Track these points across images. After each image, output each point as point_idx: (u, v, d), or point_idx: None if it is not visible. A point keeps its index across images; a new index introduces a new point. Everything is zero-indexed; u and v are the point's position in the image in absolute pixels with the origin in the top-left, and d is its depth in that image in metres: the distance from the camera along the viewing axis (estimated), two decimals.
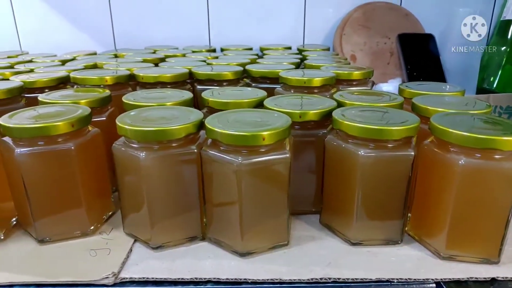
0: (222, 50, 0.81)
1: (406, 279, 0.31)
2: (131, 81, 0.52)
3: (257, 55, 0.71)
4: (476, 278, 0.32)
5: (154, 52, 0.75)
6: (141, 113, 0.36)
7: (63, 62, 0.65)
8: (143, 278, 0.31)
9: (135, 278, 0.31)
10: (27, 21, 0.86)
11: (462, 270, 0.32)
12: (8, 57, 0.72)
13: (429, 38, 0.81)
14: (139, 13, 0.86)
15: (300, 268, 0.33)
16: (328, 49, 0.81)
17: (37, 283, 0.31)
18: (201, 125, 0.35)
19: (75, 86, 0.51)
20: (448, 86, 0.49)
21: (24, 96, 0.47)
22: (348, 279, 0.31)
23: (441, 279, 0.31)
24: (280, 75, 0.49)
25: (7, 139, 0.34)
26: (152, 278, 0.31)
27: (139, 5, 0.86)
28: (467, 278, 0.32)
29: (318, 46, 0.84)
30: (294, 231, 0.38)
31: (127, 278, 0.31)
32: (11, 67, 0.61)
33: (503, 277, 0.32)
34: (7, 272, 0.32)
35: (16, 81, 0.48)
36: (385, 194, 0.34)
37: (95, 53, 0.78)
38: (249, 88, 0.48)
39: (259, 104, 0.42)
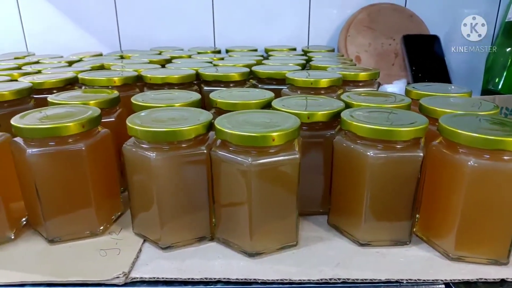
0: (227, 51, 0.81)
1: (415, 280, 0.32)
2: (138, 82, 0.52)
3: (262, 56, 0.72)
4: (485, 279, 0.32)
5: (159, 54, 0.75)
6: (151, 114, 0.37)
7: (70, 63, 0.66)
8: (154, 278, 0.32)
9: (146, 278, 0.32)
10: (34, 23, 0.87)
11: (471, 271, 0.33)
12: (15, 58, 0.73)
13: (434, 39, 0.81)
14: (144, 14, 0.87)
15: (309, 269, 0.33)
16: (333, 50, 0.81)
17: (49, 282, 0.31)
18: (210, 126, 0.35)
19: (83, 87, 0.51)
20: (454, 87, 0.49)
21: (33, 97, 0.47)
22: (357, 279, 0.32)
23: (451, 280, 0.32)
24: (286, 76, 0.50)
25: (18, 139, 0.35)
26: (163, 278, 0.32)
27: (144, 6, 0.86)
28: (477, 279, 0.32)
29: (323, 47, 0.84)
30: (302, 231, 0.38)
31: (137, 278, 0.32)
32: (19, 68, 0.62)
33: None
34: (19, 271, 0.32)
35: (25, 82, 0.48)
36: (393, 195, 0.34)
37: (101, 54, 0.79)
38: (257, 89, 0.48)
39: (267, 105, 0.42)
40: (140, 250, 0.35)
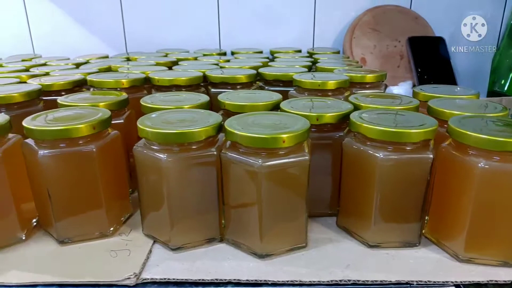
0: (232, 53, 0.82)
1: (425, 282, 0.32)
2: (145, 84, 0.53)
3: (267, 58, 0.72)
4: (495, 281, 0.32)
5: (165, 56, 0.76)
6: (161, 115, 0.37)
7: (77, 65, 0.66)
8: (164, 279, 0.32)
9: (157, 279, 0.32)
10: (40, 25, 0.87)
11: (481, 272, 0.33)
12: (23, 60, 0.73)
13: (439, 41, 0.81)
14: (150, 16, 0.87)
15: (319, 270, 0.33)
16: (338, 52, 0.81)
17: (60, 283, 0.32)
18: (220, 128, 0.35)
19: (91, 89, 0.51)
20: (462, 89, 0.49)
21: (42, 98, 0.48)
22: (367, 281, 0.32)
23: (461, 282, 0.32)
24: (294, 78, 0.50)
25: (29, 141, 0.35)
26: (173, 279, 0.32)
27: (150, 8, 0.86)
28: (487, 281, 0.32)
29: (328, 49, 0.84)
30: (311, 233, 0.38)
31: (148, 279, 0.32)
32: (27, 70, 0.62)
33: None
34: (30, 272, 0.33)
35: (34, 84, 0.49)
36: (403, 197, 0.34)
37: (107, 56, 0.79)
38: (264, 91, 0.48)
39: (275, 107, 0.42)
40: (150, 251, 0.35)
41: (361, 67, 0.63)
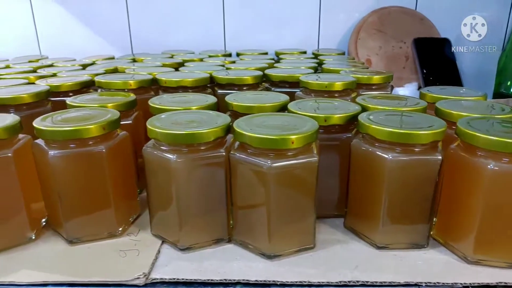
0: (238, 54, 0.82)
1: (434, 283, 0.32)
2: (152, 85, 0.53)
3: (273, 59, 0.72)
4: (505, 283, 0.32)
5: (171, 57, 0.76)
6: (170, 116, 0.37)
7: (84, 66, 0.66)
8: (174, 279, 0.32)
9: (166, 279, 0.32)
10: (47, 26, 0.88)
11: (490, 274, 0.32)
12: (29, 61, 0.74)
13: (445, 42, 0.81)
14: (155, 17, 0.87)
15: (328, 271, 0.33)
16: (344, 54, 0.81)
17: (70, 282, 0.32)
18: (228, 129, 0.35)
19: (99, 90, 0.52)
20: (469, 91, 0.49)
21: (50, 99, 0.48)
22: (376, 282, 0.32)
23: (470, 284, 0.32)
24: (300, 79, 0.50)
25: (40, 141, 0.35)
26: (183, 279, 0.32)
27: (156, 9, 0.87)
28: (496, 282, 0.32)
29: (333, 50, 0.84)
30: (319, 234, 0.38)
31: (157, 278, 0.32)
32: (34, 71, 0.63)
33: None
34: (41, 271, 0.33)
35: (42, 85, 0.49)
36: (411, 198, 0.34)
37: (113, 58, 0.80)
38: (271, 92, 0.48)
39: (282, 108, 0.42)
40: (159, 251, 0.36)
41: (367, 68, 0.63)
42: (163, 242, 0.37)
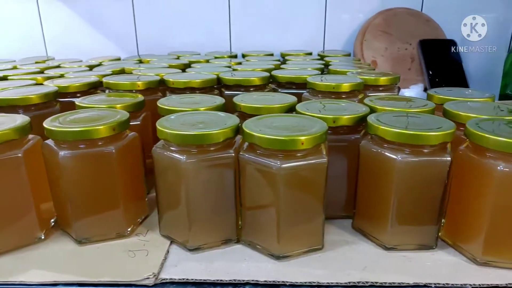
0: (243, 56, 0.82)
1: (443, 284, 0.32)
2: (160, 86, 0.53)
3: (279, 60, 0.72)
4: None
5: (177, 58, 0.76)
6: (180, 117, 0.37)
7: (90, 67, 0.67)
8: (183, 279, 0.32)
9: (175, 279, 0.32)
10: (53, 27, 0.88)
11: (499, 276, 0.32)
12: (36, 62, 0.74)
13: (451, 43, 0.81)
14: (161, 19, 0.88)
15: (336, 272, 0.33)
16: (349, 55, 0.81)
17: (80, 282, 0.32)
18: (237, 130, 0.35)
19: (107, 91, 0.52)
20: (476, 92, 0.49)
21: (58, 100, 0.48)
22: (385, 283, 0.32)
23: (479, 285, 0.31)
24: (308, 80, 0.50)
25: (49, 142, 0.36)
26: (192, 279, 0.32)
27: (162, 11, 0.87)
28: (506, 284, 0.32)
29: (339, 52, 0.84)
30: (327, 235, 0.38)
31: (167, 279, 0.32)
32: (41, 72, 0.63)
33: None
34: (51, 271, 0.33)
35: (50, 86, 0.49)
36: (420, 199, 0.34)
37: (119, 59, 0.80)
38: (278, 94, 0.48)
39: (290, 109, 0.42)
40: (168, 251, 0.36)
41: (373, 69, 0.63)
42: (171, 242, 0.37)
